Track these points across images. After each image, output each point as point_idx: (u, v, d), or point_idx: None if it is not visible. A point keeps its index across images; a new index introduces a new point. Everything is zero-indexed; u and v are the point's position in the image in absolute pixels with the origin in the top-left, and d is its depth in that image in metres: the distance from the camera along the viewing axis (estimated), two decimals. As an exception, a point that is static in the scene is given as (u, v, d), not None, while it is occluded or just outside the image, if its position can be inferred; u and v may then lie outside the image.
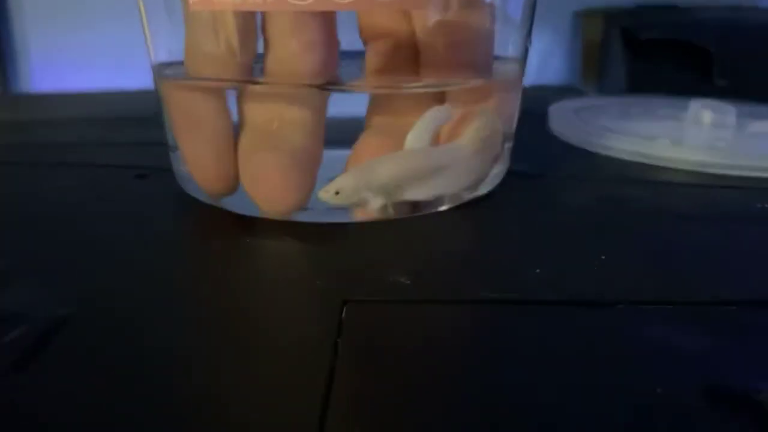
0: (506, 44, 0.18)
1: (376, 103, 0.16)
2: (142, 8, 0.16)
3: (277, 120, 0.15)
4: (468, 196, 0.17)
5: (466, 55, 0.16)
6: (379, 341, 0.11)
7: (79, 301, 0.12)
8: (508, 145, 0.19)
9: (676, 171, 0.22)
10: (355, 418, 0.09)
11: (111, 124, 0.30)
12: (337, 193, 0.15)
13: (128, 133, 0.27)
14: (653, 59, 0.38)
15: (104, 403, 0.09)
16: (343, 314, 0.12)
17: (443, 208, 0.17)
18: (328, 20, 0.15)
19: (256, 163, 0.15)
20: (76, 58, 0.45)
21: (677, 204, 0.19)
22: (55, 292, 0.13)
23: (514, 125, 0.19)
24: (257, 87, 0.16)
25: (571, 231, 0.16)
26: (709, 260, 0.15)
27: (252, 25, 0.15)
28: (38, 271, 0.14)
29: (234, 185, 0.16)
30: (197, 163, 0.16)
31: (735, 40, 0.38)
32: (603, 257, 0.14)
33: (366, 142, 0.16)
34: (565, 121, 0.27)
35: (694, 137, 0.24)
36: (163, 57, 0.17)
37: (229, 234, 0.16)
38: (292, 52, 0.15)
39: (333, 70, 0.15)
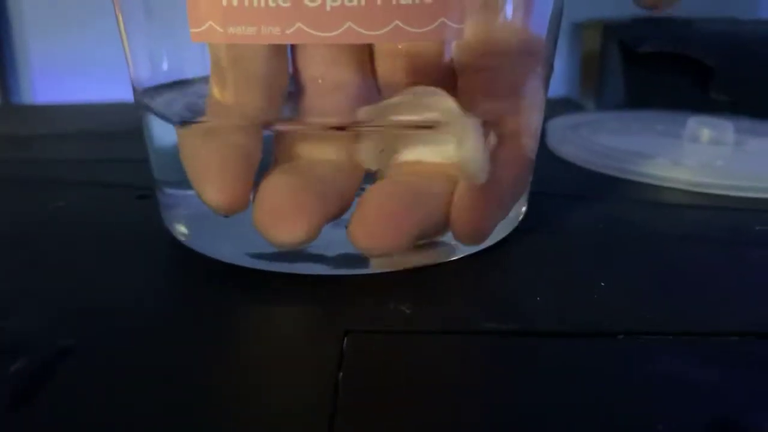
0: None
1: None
2: (123, 31, 0.16)
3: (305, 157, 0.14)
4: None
5: (503, 84, 0.16)
6: (381, 372, 0.11)
7: (80, 330, 0.12)
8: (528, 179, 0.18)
9: (676, 191, 0.22)
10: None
11: (112, 137, 0.30)
12: None
13: (130, 148, 0.27)
14: (651, 72, 0.38)
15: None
16: (345, 345, 0.12)
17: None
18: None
19: (264, 184, 0.14)
20: (77, 69, 0.45)
21: (676, 226, 0.19)
22: (55, 320, 0.13)
23: (534, 159, 0.18)
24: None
25: (570, 255, 0.16)
26: (709, 288, 0.15)
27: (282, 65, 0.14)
28: (37, 298, 0.14)
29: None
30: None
31: (734, 53, 0.38)
32: (603, 284, 0.15)
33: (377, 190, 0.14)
34: (563, 137, 0.27)
35: (692, 156, 0.24)
36: (145, 81, 0.16)
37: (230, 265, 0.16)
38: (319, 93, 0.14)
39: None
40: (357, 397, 0.10)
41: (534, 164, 0.18)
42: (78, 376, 0.11)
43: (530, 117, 0.16)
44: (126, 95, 0.40)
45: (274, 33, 0.12)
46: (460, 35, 0.13)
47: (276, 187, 0.13)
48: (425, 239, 0.15)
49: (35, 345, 0.12)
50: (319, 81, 0.14)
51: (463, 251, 0.16)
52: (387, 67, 0.15)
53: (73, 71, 0.45)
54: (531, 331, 0.13)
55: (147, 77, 0.16)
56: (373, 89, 0.15)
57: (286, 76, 0.15)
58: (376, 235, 0.13)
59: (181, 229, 0.16)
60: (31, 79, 0.46)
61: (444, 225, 0.15)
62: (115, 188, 0.21)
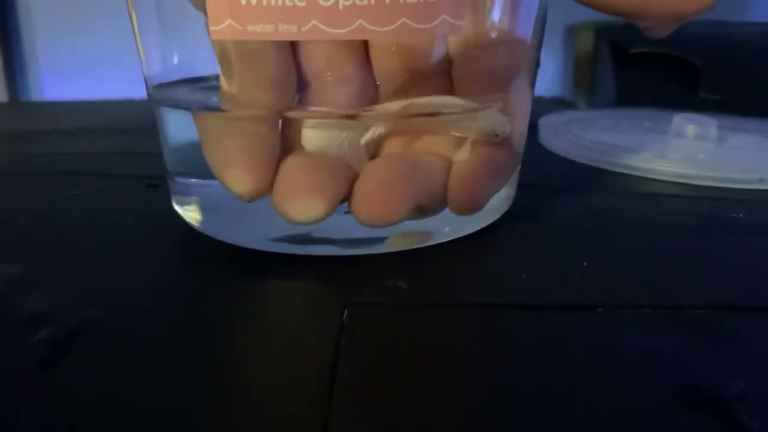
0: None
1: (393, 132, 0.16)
2: (136, 27, 0.17)
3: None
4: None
5: (496, 78, 0.16)
6: (379, 341, 0.12)
7: (96, 307, 0.13)
8: (517, 167, 0.19)
9: (660, 182, 0.23)
10: (358, 411, 0.10)
11: (120, 133, 0.31)
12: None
13: (138, 143, 0.28)
14: (642, 72, 0.39)
15: (122, 401, 0.10)
16: (345, 316, 0.13)
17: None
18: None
19: (282, 165, 0.15)
20: (85, 68, 0.46)
21: (659, 215, 0.20)
22: (74, 296, 0.14)
23: (522, 149, 0.19)
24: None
25: (556, 239, 0.17)
26: (685, 267, 0.16)
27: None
28: (57, 276, 0.15)
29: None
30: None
31: (722, 54, 0.39)
32: (585, 264, 0.16)
33: (376, 165, 0.15)
34: (555, 133, 0.28)
35: (677, 150, 0.25)
36: (157, 77, 0.17)
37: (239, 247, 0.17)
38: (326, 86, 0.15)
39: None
40: (357, 363, 0.11)
41: (523, 147, 0.19)
42: (97, 346, 0.12)
43: (519, 98, 0.17)
44: (132, 93, 0.41)
45: (291, 30, 0.13)
46: (460, 30, 0.14)
47: (293, 167, 0.14)
48: (424, 214, 0.16)
49: (57, 318, 0.13)
50: (327, 75, 0.15)
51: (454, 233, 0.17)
52: (382, 58, 0.16)
53: (80, 70, 0.46)
54: (518, 305, 0.14)
55: (160, 72, 0.17)
56: (372, 81, 0.16)
57: (294, 72, 0.15)
58: (377, 206, 0.14)
59: (193, 215, 0.17)
60: (39, 78, 0.47)
61: (442, 199, 0.16)
62: (124, 179, 0.22)
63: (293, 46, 0.15)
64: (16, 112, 0.43)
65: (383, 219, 0.14)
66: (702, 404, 0.10)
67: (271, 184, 0.15)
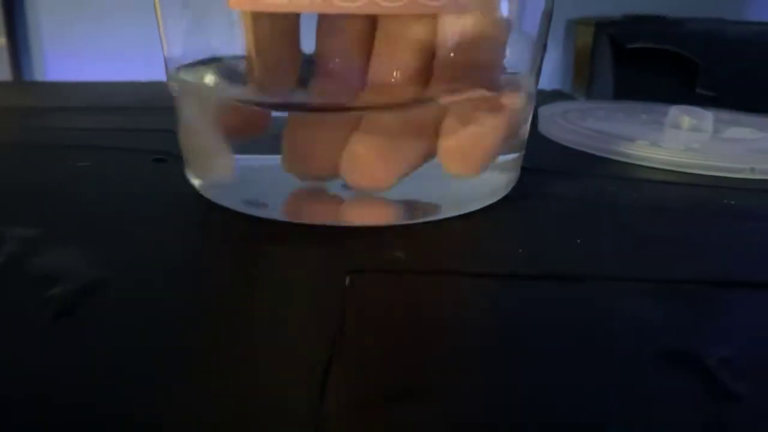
0: (521, 58, 0.18)
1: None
2: (158, 9, 0.17)
3: None
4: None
5: (483, 68, 0.17)
6: (380, 305, 0.13)
7: (109, 267, 0.14)
8: (520, 153, 0.19)
9: (654, 170, 0.24)
10: (358, 372, 0.11)
11: (126, 111, 0.32)
12: None
13: (144, 120, 0.29)
14: (640, 68, 0.39)
15: (127, 358, 0.11)
16: (347, 282, 0.14)
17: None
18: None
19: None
20: (90, 49, 0.46)
21: (652, 199, 0.20)
22: (88, 257, 0.14)
23: (526, 136, 0.20)
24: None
25: (553, 218, 0.18)
26: (676, 245, 0.16)
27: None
28: (70, 239, 0.15)
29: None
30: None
31: (720, 51, 0.39)
32: (579, 240, 0.16)
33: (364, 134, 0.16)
34: (553, 122, 0.28)
35: (672, 140, 0.26)
36: (178, 59, 0.17)
37: (243, 216, 0.17)
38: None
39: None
40: (360, 325, 0.12)
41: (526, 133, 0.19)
42: (107, 302, 0.12)
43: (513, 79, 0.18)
44: (137, 75, 0.41)
45: (304, 3, 0.14)
46: (468, 7, 0.15)
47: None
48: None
49: (71, 276, 0.13)
50: (336, 63, 0.16)
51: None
52: (387, 50, 0.16)
53: (85, 51, 0.46)
54: (513, 275, 0.14)
55: (180, 54, 0.18)
56: (362, 74, 0.16)
57: (296, 53, 0.16)
58: (366, 171, 0.15)
59: (203, 185, 0.18)
60: (43, 58, 0.47)
61: (431, 154, 0.16)
62: (130, 152, 0.23)
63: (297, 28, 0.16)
64: (18, 90, 0.43)
65: (372, 185, 0.16)
66: (684, 366, 0.11)
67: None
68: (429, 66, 0.16)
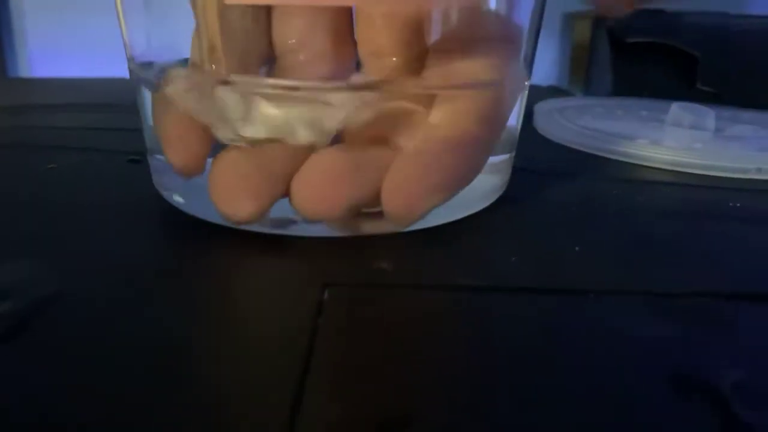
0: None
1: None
2: (119, 7, 0.16)
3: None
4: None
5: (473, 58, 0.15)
6: (356, 322, 0.12)
7: (66, 281, 0.13)
8: (511, 154, 0.18)
9: (655, 170, 0.22)
10: (333, 389, 0.10)
11: (106, 109, 0.31)
12: None
13: (123, 119, 0.27)
14: (639, 62, 0.38)
15: (84, 376, 0.10)
16: (325, 296, 0.12)
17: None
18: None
19: (219, 161, 0.15)
20: (74, 45, 0.45)
21: (652, 201, 0.19)
22: (45, 269, 0.13)
23: (517, 135, 0.18)
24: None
25: (549, 223, 0.17)
26: (679, 254, 0.15)
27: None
28: (29, 250, 0.14)
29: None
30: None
31: (721, 46, 0.38)
32: (577, 248, 0.15)
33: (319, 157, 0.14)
34: (549, 119, 0.27)
35: (673, 138, 0.25)
36: (140, 56, 0.17)
37: (216, 225, 0.16)
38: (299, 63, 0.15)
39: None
40: (334, 343, 0.11)
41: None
42: (63, 318, 0.11)
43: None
44: (121, 72, 0.40)
45: None
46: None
47: (229, 166, 0.14)
48: (366, 208, 0.15)
49: (24, 290, 0.12)
50: (298, 53, 0.15)
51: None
52: (368, 35, 0.15)
53: (69, 48, 0.45)
54: (505, 287, 0.13)
55: (140, 52, 0.17)
56: (350, 59, 0.15)
57: (264, 44, 0.15)
58: (315, 199, 0.14)
59: (171, 194, 0.17)
60: (27, 55, 0.46)
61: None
62: (106, 153, 0.22)
63: (269, 19, 0.15)
64: (2, 87, 0.42)
65: (320, 214, 0.14)
66: (695, 392, 0.10)
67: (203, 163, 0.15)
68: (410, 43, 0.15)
